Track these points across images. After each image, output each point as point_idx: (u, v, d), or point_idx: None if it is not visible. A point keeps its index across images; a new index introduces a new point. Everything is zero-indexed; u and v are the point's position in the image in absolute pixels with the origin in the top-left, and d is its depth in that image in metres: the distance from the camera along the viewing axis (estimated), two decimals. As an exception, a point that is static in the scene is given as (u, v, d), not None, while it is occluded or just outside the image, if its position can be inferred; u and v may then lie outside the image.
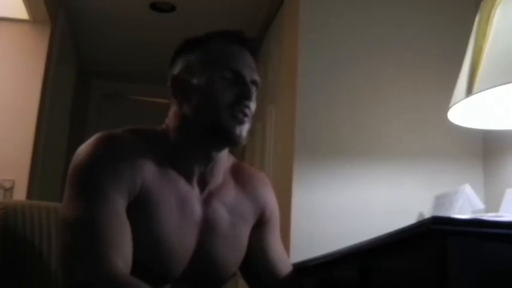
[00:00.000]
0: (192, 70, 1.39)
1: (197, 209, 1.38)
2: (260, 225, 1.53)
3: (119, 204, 1.25)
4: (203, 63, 1.38)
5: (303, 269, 1.67)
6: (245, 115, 1.37)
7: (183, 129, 1.39)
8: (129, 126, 1.39)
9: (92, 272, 1.15)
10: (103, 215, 1.21)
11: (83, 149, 1.30)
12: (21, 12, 3.54)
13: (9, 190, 3.37)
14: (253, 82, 1.40)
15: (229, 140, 1.37)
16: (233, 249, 1.44)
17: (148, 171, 1.31)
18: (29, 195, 3.40)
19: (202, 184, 1.41)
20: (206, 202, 1.40)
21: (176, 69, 1.42)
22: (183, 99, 1.39)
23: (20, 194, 3.37)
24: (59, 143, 4.37)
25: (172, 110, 1.42)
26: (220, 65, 1.37)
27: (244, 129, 1.37)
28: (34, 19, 3.60)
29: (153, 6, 3.78)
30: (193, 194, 1.38)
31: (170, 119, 1.42)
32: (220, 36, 1.42)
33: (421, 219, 1.70)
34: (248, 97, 1.36)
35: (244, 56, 1.41)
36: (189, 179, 1.38)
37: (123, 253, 1.21)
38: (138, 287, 1.17)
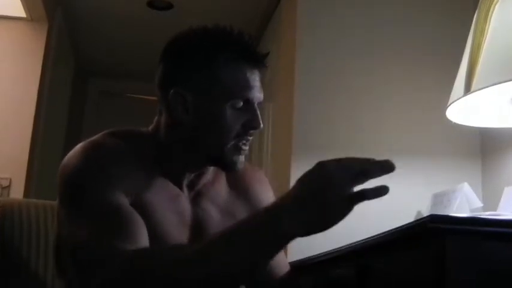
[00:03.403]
0: (200, 90, 1.29)
1: (187, 210, 1.35)
2: None
3: (125, 205, 1.20)
4: (214, 86, 1.29)
5: (300, 267, 1.67)
6: (247, 143, 1.32)
7: (178, 144, 1.33)
8: (109, 130, 1.34)
9: (114, 264, 1.09)
10: (109, 220, 1.16)
11: (70, 161, 1.25)
12: (19, 11, 3.53)
13: (6, 188, 3.37)
14: (259, 104, 1.34)
15: (227, 168, 1.34)
16: None
17: (138, 176, 1.27)
18: (26, 194, 3.40)
19: (191, 186, 1.38)
20: (195, 202, 1.37)
21: (176, 79, 1.31)
22: (185, 119, 1.30)
23: (17, 193, 3.37)
24: (56, 141, 4.36)
25: (166, 120, 1.34)
26: (234, 94, 1.28)
27: (243, 157, 1.33)
28: (31, 17, 3.60)
29: (150, 4, 3.78)
30: (183, 196, 1.35)
31: (162, 128, 1.35)
32: (230, 50, 1.30)
33: (419, 217, 1.70)
34: (257, 127, 1.31)
35: (255, 77, 1.32)
36: (178, 183, 1.35)
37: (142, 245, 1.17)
38: (157, 252, 1.13)
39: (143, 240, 1.17)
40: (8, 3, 3.48)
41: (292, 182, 2.66)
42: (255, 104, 1.32)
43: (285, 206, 1.05)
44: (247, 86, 1.30)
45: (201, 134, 1.30)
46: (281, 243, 1.07)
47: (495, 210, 1.93)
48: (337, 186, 1.06)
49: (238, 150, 1.31)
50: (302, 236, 1.07)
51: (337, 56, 2.66)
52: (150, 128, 1.38)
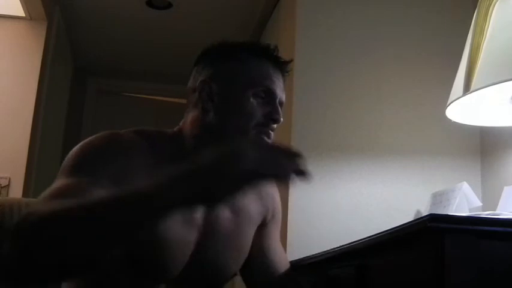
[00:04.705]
0: (225, 79, 1.36)
1: (199, 212, 1.35)
2: (263, 224, 1.52)
3: (103, 185, 1.18)
4: (238, 75, 1.35)
5: (300, 267, 1.67)
6: (268, 137, 1.35)
7: (202, 139, 1.35)
8: (136, 128, 1.37)
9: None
10: (79, 183, 1.15)
11: (82, 143, 1.29)
12: (18, 10, 3.53)
13: (5, 188, 3.37)
14: (281, 103, 1.39)
15: None
16: (235, 250, 1.43)
17: (147, 170, 1.27)
18: (25, 193, 3.40)
19: None
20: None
21: (204, 74, 1.38)
22: (210, 107, 1.35)
23: (16, 192, 3.36)
24: (55, 140, 4.36)
25: (192, 115, 1.38)
26: (256, 83, 1.34)
27: None
28: (30, 16, 3.59)
29: (149, 3, 3.77)
30: None
31: (188, 124, 1.38)
32: (256, 49, 1.40)
33: (418, 217, 1.70)
34: (277, 120, 1.35)
35: (279, 77, 1.39)
36: None
37: None
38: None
39: None
40: (7, 2, 3.48)
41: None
42: (277, 99, 1.36)
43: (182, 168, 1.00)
44: (269, 78, 1.36)
45: (224, 120, 1.34)
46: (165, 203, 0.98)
47: (494, 210, 1.93)
48: (241, 158, 0.99)
49: None
50: (191, 202, 1.00)
51: (337, 56, 2.66)
52: (176, 128, 1.42)
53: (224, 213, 1.40)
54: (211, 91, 1.35)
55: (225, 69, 1.37)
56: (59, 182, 1.19)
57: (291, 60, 1.42)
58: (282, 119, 1.36)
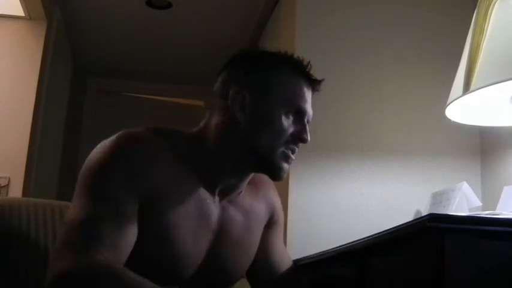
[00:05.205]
0: (259, 93, 1.35)
1: (214, 215, 1.36)
2: (267, 226, 1.53)
3: (127, 205, 1.21)
4: (272, 92, 1.35)
5: (300, 266, 1.67)
6: (293, 153, 1.37)
7: (226, 145, 1.35)
8: (154, 126, 1.35)
9: (74, 262, 1.11)
10: (104, 214, 1.18)
11: (102, 146, 1.27)
12: (17, 9, 3.53)
13: (5, 187, 3.36)
14: (308, 121, 1.40)
15: (273, 175, 1.38)
16: (245, 252, 1.45)
17: (167, 174, 1.28)
18: (25, 193, 3.39)
19: (224, 194, 1.39)
20: (224, 209, 1.38)
21: (237, 82, 1.36)
22: (241, 118, 1.34)
23: (15, 192, 3.36)
24: (55, 140, 4.35)
25: (218, 120, 1.37)
26: (290, 101, 1.35)
27: (288, 167, 1.37)
28: (30, 16, 3.59)
29: (149, 3, 3.77)
30: (212, 201, 1.36)
31: (211, 128, 1.37)
32: (292, 65, 1.40)
33: (418, 216, 1.70)
34: (305, 140, 1.36)
35: (309, 95, 1.40)
36: (211, 189, 1.36)
37: (115, 252, 1.17)
38: (122, 275, 1.13)
39: (123, 248, 1.19)
40: (7, 2, 3.48)
41: (291, 182, 2.66)
42: (305, 118, 1.37)
43: None
44: (302, 97, 1.37)
45: (254, 134, 1.34)
46: None
47: (494, 210, 1.93)
48: None
49: (286, 157, 1.35)
50: None
51: (337, 56, 2.65)
52: (194, 130, 1.40)
53: (237, 216, 1.41)
54: (244, 102, 1.34)
55: (260, 82, 1.36)
56: (85, 206, 1.20)
57: (323, 80, 1.43)
58: (309, 139, 1.37)
